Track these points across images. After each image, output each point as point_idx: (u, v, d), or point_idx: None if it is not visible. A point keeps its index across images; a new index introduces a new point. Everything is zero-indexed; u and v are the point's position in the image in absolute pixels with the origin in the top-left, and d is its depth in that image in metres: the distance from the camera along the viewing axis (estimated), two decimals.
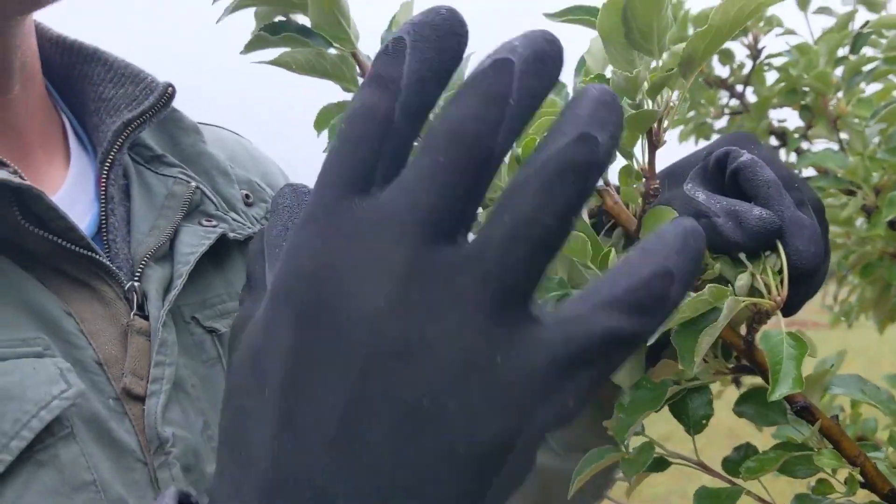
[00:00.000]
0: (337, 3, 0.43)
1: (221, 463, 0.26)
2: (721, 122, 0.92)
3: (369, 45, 0.48)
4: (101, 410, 0.43)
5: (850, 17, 0.87)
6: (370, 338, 0.23)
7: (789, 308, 0.41)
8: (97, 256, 0.46)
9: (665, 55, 0.39)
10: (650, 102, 0.39)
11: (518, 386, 0.22)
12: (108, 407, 0.43)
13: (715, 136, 0.93)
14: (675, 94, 0.40)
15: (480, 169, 0.23)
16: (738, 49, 0.90)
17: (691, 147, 0.93)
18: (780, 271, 0.40)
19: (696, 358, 0.37)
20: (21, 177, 0.43)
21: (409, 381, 0.22)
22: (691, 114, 0.94)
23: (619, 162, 0.42)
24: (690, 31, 0.91)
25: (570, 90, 0.48)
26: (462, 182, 0.23)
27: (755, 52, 0.88)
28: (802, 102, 0.86)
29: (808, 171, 0.85)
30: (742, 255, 0.41)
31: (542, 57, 0.23)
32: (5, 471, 0.37)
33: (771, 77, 0.91)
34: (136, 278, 0.48)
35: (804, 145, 0.87)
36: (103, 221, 0.49)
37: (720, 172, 0.43)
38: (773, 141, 0.89)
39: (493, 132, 0.23)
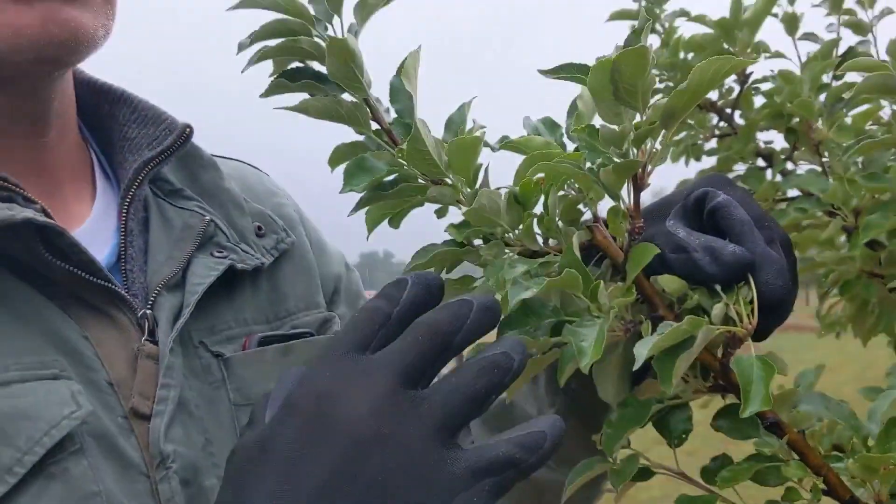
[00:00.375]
0: (351, 56, 0.49)
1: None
2: (711, 144, 0.98)
3: (379, 89, 0.53)
4: (111, 427, 0.48)
5: (833, 44, 0.93)
6: (349, 440, 0.36)
7: (760, 334, 0.47)
8: (113, 287, 0.51)
9: (649, 109, 0.44)
10: (635, 151, 0.45)
11: (445, 482, 0.37)
12: (116, 424, 0.49)
13: (705, 157, 0.99)
14: (658, 142, 0.45)
15: (441, 352, 0.40)
16: None
17: (681, 166, 0.99)
18: (752, 301, 0.45)
19: (673, 380, 0.42)
20: (47, 214, 0.49)
21: (372, 469, 0.36)
22: (682, 135, 0.99)
23: (608, 202, 0.47)
24: (682, 55, 0.97)
25: (563, 130, 0.54)
26: (429, 356, 0.39)
27: (743, 78, 0.94)
28: (788, 126, 0.92)
29: (793, 192, 0.90)
30: (718, 287, 0.46)
31: (487, 307, 0.41)
32: (19, 482, 0.43)
33: (759, 100, 0.97)
34: (149, 305, 0.53)
35: (789, 166, 0.93)
36: (122, 252, 0.55)
37: (699, 211, 0.49)
38: (760, 162, 0.94)
39: (454, 333, 0.40)
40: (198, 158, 0.62)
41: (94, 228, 0.55)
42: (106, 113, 0.59)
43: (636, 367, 0.42)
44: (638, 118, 0.45)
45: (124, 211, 0.55)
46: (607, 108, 0.44)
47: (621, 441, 0.48)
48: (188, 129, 0.57)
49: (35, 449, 0.43)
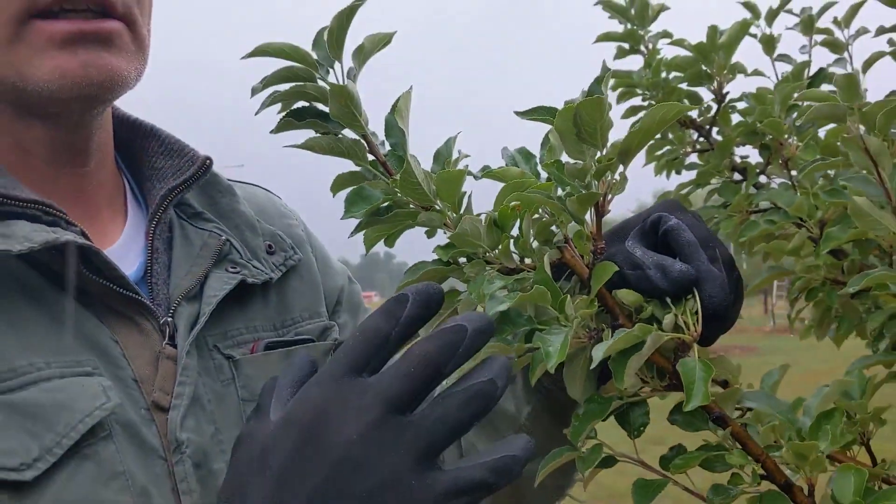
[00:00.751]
0: (351, 98, 0.57)
1: (221, 499, 0.45)
2: (691, 158, 1.06)
3: (375, 122, 0.62)
4: (135, 418, 0.57)
5: (804, 66, 1.01)
6: (340, 455, 0.42)
7: (705, 341, 0.55)
8: (140, 298, 0.61)
9: (607, 147, 0.52)
10: (596, 183, 0.53)
11: (424, 502, 0.42)
12: (139, 415, 0.58)
13: (685, 171, 1.07)
14: (617, 175, 0.53)
15: (431, 381, 0.44)
16: (707, 93, 1.03)
17: (663, 179, 1.07)
18: (697, 312, 0.53)
19: (626, 377, 0.50)
20: (86, 236, 0.58)
21: (358, 487, 0.42)
22: (666, 149, 1.07)
23: (575, 226, 0.55)
24: (663, 74, 1.05)
25: (538, 159, 0.62)
26: (420, 386, 0.44)
27: (720, 97, 1.01)
28: (762, 142, 1.00)
29: (766, 203, 0.98)
30: (668, 299, 0.54)
31: (481, 331, 0.46)
32: (58, 461, 0.51)
33: (737, 117, 1.05)
34: (170, 314, 0.63)
35: (763, 179, 1.01)
36: (149, 268, 0.65)
37: (654, 233, 0.57)
38: (737, 175, 1.02)
39: (446, 363, 0.45)
40: (217, 185, 0.71)
41: (126, 246, 0.65)
42: (138, 146, 0.69)
43: (592, 366, 0.50)
44: (598, 155, 0.53)
45: (151, 232, 0.65)
46: (572, 146, 0.53)
47: (586, 432, 0.56)
48: (208, 161, 0.67)
49: (71, 434, 0.52)
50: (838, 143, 0.96)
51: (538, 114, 0.55)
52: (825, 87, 1.04)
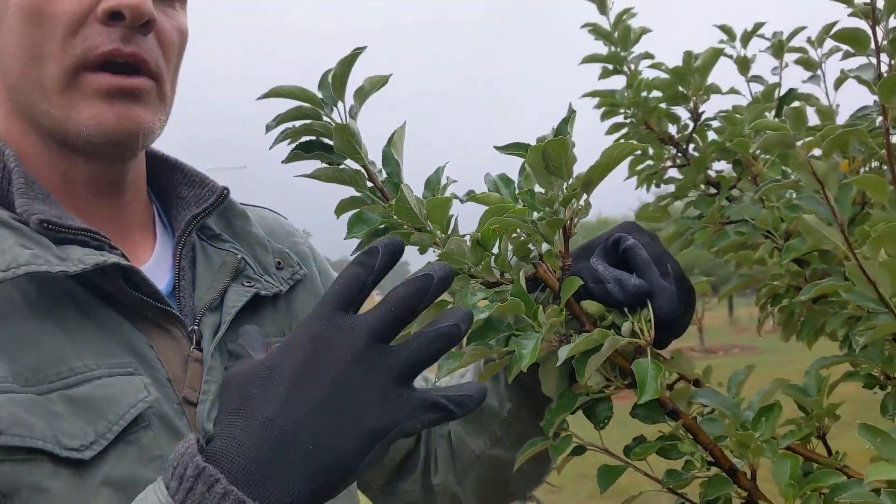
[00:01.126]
0: (352, 134, 0.67)
1: (227, 421, 0.55)
2: (672, 172, 1.15)
3: (374, 150, 0.72)
4: (169, 411, 0.68)
5: (774, 88, 1.10)
6: (338, 371, 0.54)
7: (659, 345, 0.64)
8: (171, 309, 0.71)
9: (572, 179, 0.62)
10: (563, 210, 0.62)
11: (401, 410, 0.55)
12: (173, 409, 0.68)
13: (663, 184, 1.16)
14: (581, 202, 0.63)
15: (407, 318, 0.57)
16: (684, 112, 1.12)
17: (642, 191, 1.16)
18: (650, 320, 0.63)
19: (586, 374, 0.60)
20: (126, 258, 0.68)
21: (353, 396, 0.54)
22: (646, 163, 1.16)
23: (546, 245, 0.65)
24: (644, 94, 1.14)
25: (517, 185, 0.71)
26: (398, 322, 0.57)
27: (696, 116, 1.11)
28: (735, 158, 1.09)
29: (737, 216, 1.07)
30: (626, 309, 0.64)
31: (444, 278, 0.58)
32: (108, 445, 0.62)
33: (714, 134, 1.14)
34: (196, 323, 0.73)
35: (736, 193, 1.10)
36: (177, 283, 0.76)
37: (615, 251, 0.66)
38: (712, 189, 1.12)
39: (418, 304, 0.57)
40: (232, 210, 0.83)
41: (156, 265, 0.76)
42: (164, 177, 0.80)
43: (558, 364, 0.59)
44: (565, 185, 0.62)
45: (178, 253, 0.75)
46: (542, 177, 0.62)
47: (558, 423, 0.65)
48: (225, 191, 0.78)
49: (120, 422, 0.63)
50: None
51: (514, 149, 0.64)
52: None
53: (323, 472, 0.53)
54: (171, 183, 0.81)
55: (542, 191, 0.63)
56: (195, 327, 0.73)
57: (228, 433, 0.54)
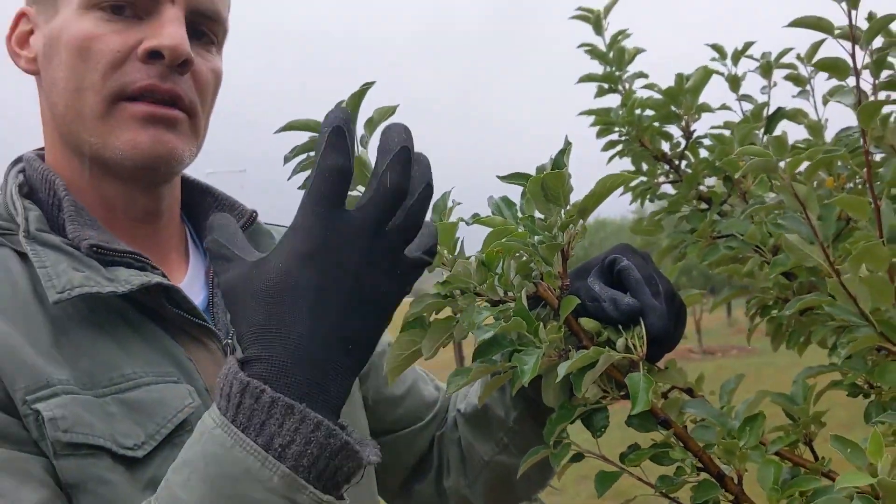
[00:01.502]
0: (364, 164, 0.72)
1: (260, 340, 0.57)
2: (664, 188, 1.21)
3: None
4: None
5: (762, 107, 1.16)
6: (355, 276, 0.57)
7: (651, 359, 0.70)
8: (208, 325, 0.76)
9: (569, 206, 0.67)
10: (561, 234, 0.68)
11: (404, 280, 0.60)
12: None
13: (657, 200, 1.22)
14: (578, 227, 0.68)
15: (399, 202, 0.59)
16: (676, 130, 1.18)
17: (637, 205, 1.21)
18: (643, 337, 0.68)
19: (583, 388, 0.65)
20: (167, 277, 0.73)
21: (369, 291, 0.58)
22: (641, 179, 1.22)
23: (546, 267, 0.70)
24: (638, 112, 1.20)
25: (518, 207, 0.77)
26: (391, 209, 0.58)
27: (688, 134, 1.16)
28: (725, 175, 1.14)
29: (728, 230, 1.13)
30: (620, 326, 0.69)
31: (411, 142, 0.60)
32: (158, 445, 0.68)
33: (706, 151, 1.20)
34: (230, 337, 0.78)
35: (726, 208, 1.16)
36: (210, 300, 0.81)
37: (610, 271, 0.72)
38: (704, 204, 1.17)
39: (408, 184, 0.59)
40: (259, 230, 0.89)
41: (191, 283, 0.83)
42: (197, 202, 0.86)
43: (557, 380, 0.65)
44: (562, 212, 0.68)
45: (211, 272, 0.80)
46: (541, 204, 0.68)
47: (558, 432, 0.71)
48: (254, 214, 0.84)
49: (168, 425, 0.69)
50: (794, 173, 1.11)
51: (516, 179, 0.70)
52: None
53: (359, 364, 0.58)
54: (202, 206, 0.87)
55: (542, 216, 0.68)
56: (229, 341, 0.79)
57: (269, 355, 0.56)
